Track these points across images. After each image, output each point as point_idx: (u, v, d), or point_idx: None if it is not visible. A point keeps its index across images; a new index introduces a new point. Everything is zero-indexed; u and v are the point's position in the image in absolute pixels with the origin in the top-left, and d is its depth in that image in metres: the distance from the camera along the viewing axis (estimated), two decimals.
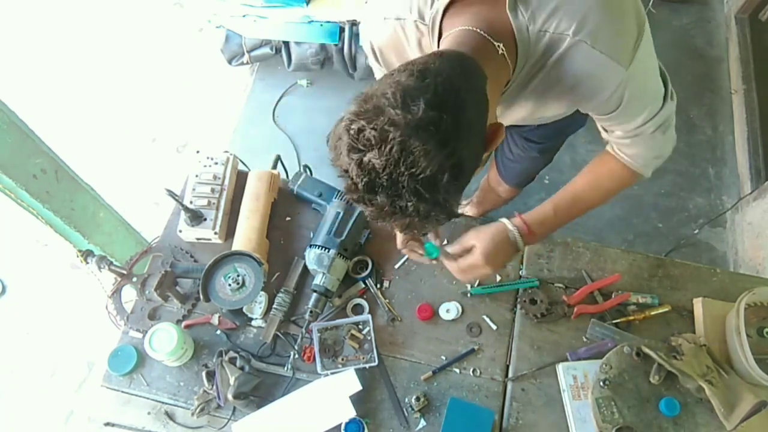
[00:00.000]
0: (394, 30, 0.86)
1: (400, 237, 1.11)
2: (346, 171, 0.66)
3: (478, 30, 0.75)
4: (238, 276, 1.14)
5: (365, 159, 0.63)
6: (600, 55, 0.77)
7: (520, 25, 0.76)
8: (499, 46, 0.75)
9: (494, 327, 1.19)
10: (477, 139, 0.69)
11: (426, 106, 0.62)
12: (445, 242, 1.09)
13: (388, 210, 0.67)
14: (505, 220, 1.04)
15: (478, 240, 1.02)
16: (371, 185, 0.64)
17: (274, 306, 1.19)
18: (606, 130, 0.96)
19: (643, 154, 0.96)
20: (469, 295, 1.21)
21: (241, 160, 1.41)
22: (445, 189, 0.65)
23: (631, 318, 1.17)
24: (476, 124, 0.68)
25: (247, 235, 1.23)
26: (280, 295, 1.20)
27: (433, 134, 0.62)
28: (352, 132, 0.63)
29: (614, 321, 1.17)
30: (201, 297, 1.13)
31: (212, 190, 1.29)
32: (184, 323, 1.20)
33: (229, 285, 1.13)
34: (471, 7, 0.78)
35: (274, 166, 1.38)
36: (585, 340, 1.16)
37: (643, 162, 0.97)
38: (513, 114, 0.97)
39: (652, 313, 1.17)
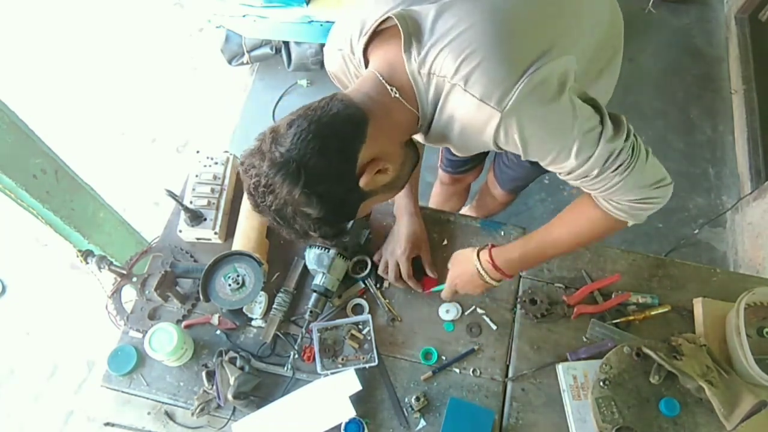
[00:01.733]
0: (341, 59, 0.92)
1: (416, 286, 1.22)
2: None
3: (377, 73, 0.80)
4: (238, 276, 1.14)
5: (250, 184, 0.77)
6: (472, 99, 0.75)
7: (413, 69, 0.79)
8: (392, 89, 0.80)
9: (494, 327, 1.19)
10: (337, 176, 0.77)
11: (278, 152, 0.74)
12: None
13: (287, 233, 0.81)
14: (473, 254, 1.03)
15: (452, 266, 1.10)
16: (254, 208, 0.80)
17: (274, 306, 1.19)
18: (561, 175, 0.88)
19: (618, 198, 0.85)
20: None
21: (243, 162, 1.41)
22: (295, 219, 0.78)
23: (631, 318, 1.17)
24: (336, 164, 0.76)
25: (246, 234, 1.23)
26: (280, 295, 1.20)
27: (277, 175, 0.74)
28: (249, 181, 0.78)
29: (614, 321, 1.17)
30: (201, 297, 1.13)
31: (212, 190, 1.29)
32: (184, 323, 1.20)
33: (229, 285, 1.13)
34: (384, 46, 0.82)
35: None
36: (585, 340, 1.16)
37: (628, 209, 0.86)
38: (447, 144, 0.93)
39: (652, 313, 1.17)
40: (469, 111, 0.78)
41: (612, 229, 0.92)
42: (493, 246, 1.03)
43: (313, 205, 0.76)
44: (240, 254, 1.16)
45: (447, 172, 1.69)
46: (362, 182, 0.79)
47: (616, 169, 0.80)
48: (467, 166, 1.64)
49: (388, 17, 0.79)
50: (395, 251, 1.21)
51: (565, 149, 0.79)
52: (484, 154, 1.61)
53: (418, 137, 0.92)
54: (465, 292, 1.09)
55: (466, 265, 1.05)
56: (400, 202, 1.25)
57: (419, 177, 1.31)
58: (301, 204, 0.75)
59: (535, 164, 0.86)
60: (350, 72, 0.93)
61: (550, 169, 0.86)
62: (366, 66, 0.86)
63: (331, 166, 0.76)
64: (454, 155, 1.42)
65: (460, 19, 0.77)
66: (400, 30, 0.77)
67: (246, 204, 1.28)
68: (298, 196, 0.74)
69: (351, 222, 0.87)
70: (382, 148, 0.81)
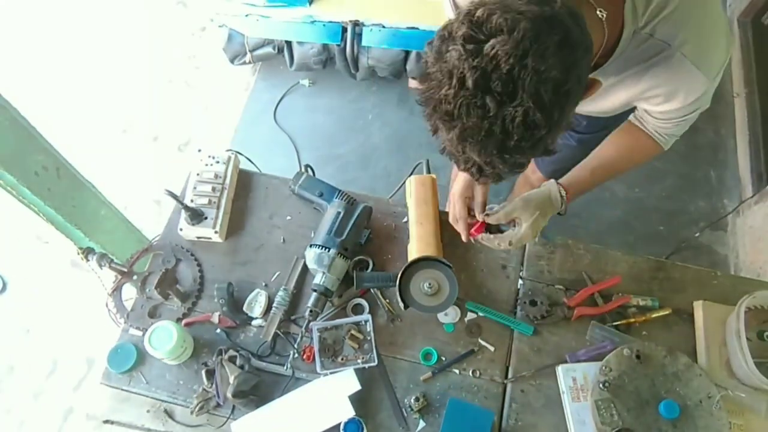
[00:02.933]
0: None
1: (464, 231, 1.14)
2: (451, 70, 0.58)
3: None
4: (433, 281, 1.15)
5: (487, 46, 0.56)
6: (696, 70, 0.83)
7: (630, 24, 0.79)
8: (599, 11, 0.74)
9: (494, 328, 1.18)
10: (588, 71, 0.66)
11: (561, 6, 0.59)
12: (489, 208, 1.11)
13: (487, 121, 0.59)
14: (550, 186, 1.09)
15: (524, 211, 1.05)
16: (486, 80, 0.57)
17: (274, 305, 1.19)
18: (647, 112, 1.02)
19: (669, 131, 1.04)
20: (466, 306, 1.21)
21: (249, 159, 1.41)
22: (563, 102, 0.60)
23: (632, 320, 1.17)
24: (589, 55, 0.65)
25: (425, 240, 1.22)
26: (280, 293, 1.20)
27: (565, 35, 0.58)
28: (476, 16, 0.58)
29: (614, 323, 1.16)
30: (401, 304, 1.14)
31: (213, 189, 1.29)
32: (184, 321, 1.20)
33: (426, 291, 1.15)
34: None
35: (428, 170, 1.35)
36: (586, 342, 1.16)
37: (666, 138, 1.05)
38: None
39: (653, 315, 1.17)
40: (687, 79, 0.85)
41: (654, 154, 1.09)
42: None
43: (580, 87, 0.62)
44: (427, 260, 1.17)
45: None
46: (585, 96, 0.70)
47: (695, 112, 0.96)
48: None
49: None
50: (452, 189, 1.16)
51: (686, 112, 0.95)
52: None
53: None
54: (534, 236, 1.06)
55: (540, 204, 1.06)
56: None
57: None
58: (578, 83, 0.60)
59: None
60: None
61: (654, 108, 0.98)
62: None
63: (589, 59, 0.64)
64: None
65: None
66: None
67: (416, 210, 1.26)
68: (577, 74, 0.60)
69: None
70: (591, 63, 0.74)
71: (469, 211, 1.14)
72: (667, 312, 1.18)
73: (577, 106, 0.69)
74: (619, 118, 1.13)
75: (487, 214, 1.09)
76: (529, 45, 0.56)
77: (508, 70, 0.56)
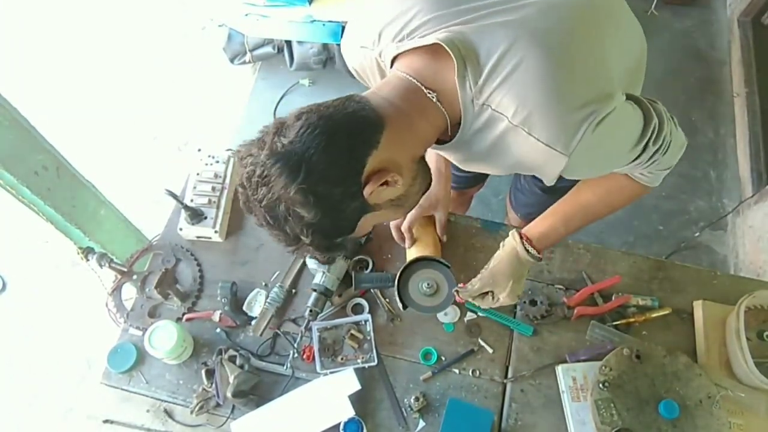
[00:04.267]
0: (363, 56, 0.90)
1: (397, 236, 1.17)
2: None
3: (411, 77, 0.77)
4: (432, 281, 1.14)
5: (245, 170, 0.72)
6: (537, 142, 0.75)
7: (466, 97, 0.76)
8: (430, 93, 0.77)
9: (494, 328, 1.18)
10: (340, 179, 0.72)
11: (280, 142, 0.69)
12: (460, 285, 1.09)
13: (275, 237, 0.76)
14: (512, 244, 1.01)
15: (497, 285, 1.02)
16: (244, 206, 0.76)
17: (268, 300, 1.19)
18: None
19: (649, 170, 0.92)
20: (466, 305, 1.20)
21: None
22: (287, 219, 0.71)
23: (632, 320, 1.17)
24: (341, 166, 0.71)
25: (423, 240, 1.22)
26: (275, 290, 1.20)
27: (274, 166, 0.68)
28: (245, 170, 0.73)
29: (614, 323, 1.16)
30: (399, 305, 1.13)
31: (213, 189, 1.29)
32: (186, 316, 1.20)
33: (424, 291, 1.14)
34: (421, 58, 0.78)
35: None
36: (586, 341, 1.16)
37: (651, 177, 0.94)
38: (455, 157, 0.95)
39: (653, 315, 1.17)
40: (531, 152, 0.77)
41: (638, 195, 0.98)
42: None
43: (309, 206, 0.69)
44: (425, 260, 1.17)
45: (452, 188, 1.66)
46: (366, 192, 0.73)
47: (655, 157, 0.85)
48: (469, 182, 1.62)
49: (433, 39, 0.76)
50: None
51: (621, 164, 0.86)
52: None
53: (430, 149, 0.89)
54: (513, 298, 1.02)
55: (512, 273, 1.01)
56: (430, 157, 1.16)
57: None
58: (296, 202, 0.69)
59: (549, 193, 0.92)
60: (369, 69, 0.91)
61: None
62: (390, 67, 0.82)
63: (334, 166, 0.70)
64: (460, 171, 1.42)
65: (511, 44, 0.74)
66: (453, 58, 0.74)
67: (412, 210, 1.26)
68: (294, 193, 0.68)
69: (345, 238, 0.79)
70: (393, 159, 0.75)
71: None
72: (667, 312, 1.18)
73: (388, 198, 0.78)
74: None
75: (457, 291, 1.08)
76: (246, 183, 0.72)
77: (244, 198, 0.74)
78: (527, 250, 0.99)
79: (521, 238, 1.00)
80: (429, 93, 0.77)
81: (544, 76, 0.73)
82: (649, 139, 0.82)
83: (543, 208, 1.13)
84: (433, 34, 0.77)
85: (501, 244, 1.04)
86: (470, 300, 1.08)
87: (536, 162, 0.79)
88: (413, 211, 1.16)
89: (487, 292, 1.05)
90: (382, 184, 0.74)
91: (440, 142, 0.85)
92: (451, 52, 0.74)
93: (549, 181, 0.83)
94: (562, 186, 1.34)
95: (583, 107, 0.74)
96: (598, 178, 0.99)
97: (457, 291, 1.08)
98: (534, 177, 1.36)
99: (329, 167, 0.70)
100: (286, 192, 0.69)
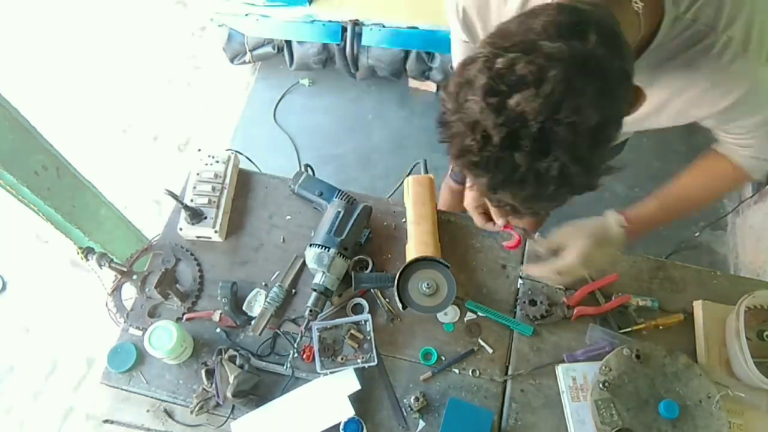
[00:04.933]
0: None
1: (479, 218, 1.03)
2: (474, 124, 0.53)
3: None
4: (431, 281, 1.14)
5: (512, 102, 0.51)
6: (741, 52, 0.72)
7: (672, 9, 0.70)
8: (634, 2, 0.65)
9: (494, 328, 1.19)
10: (631, 95, 0.60)
11: (595, 40, 0.52)
12: (536, 235, 1.01)
13: (519, 174, 0.54)
14: (608, 215, 0.95)
15: (574, 238, 0.94)
16: (514, 138, 0.52)
17: (267, 300, 1.19)
18: (723, 131, 0.91)
19: (759, 154, 0.90)
20: (465, 305, 1.21)
21: (249, 159, 1.41)
22: (603, 148, 0.55)
23: (641, 327, 1.16)
24: (629, 80, 0.59)
25: (422, 240, 1.22)
26: (274, 290, 1.20)
27: (603, 77, 0.52)
28: (497, 67, 0.51)
29: (621, 331, 1.15)
30: (399, 305, 1.13)
31: (213, 189, 1.29)
32: (186, 316, 1.20)
33: (423, 291, 1.14)
34: None
35: (426, 170, 1.35)
36: (586, 342, 1.16)
37: (756, 163, 0.91)
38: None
39: (663, 321, 1.16)
40: (729, 64, 0.73)
41: (739, 183, 0.96)
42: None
43: (603, 136, 0.55)
44: (425, 260, 1.17)
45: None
46: (630, 113, 0.62)
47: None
48: None
49: None
50: (465, 200, 1.12)
51: (756, 111, 0.80)
52: None
53: None
54: (585, 269, 0.94)
55: (594, 232, 0.94)
56: None
57: None
58: (617, 125, 0.56)
59: None
60: (492, 3, 0.80)
61: (728, 129, 0.87)
62: None
63: (630, 77, 0.58)
64: None
65: None
66: None
67: (414, 210, 1.24)
68: (619, 114, 0.55)
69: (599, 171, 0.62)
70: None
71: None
72: (678, 318, 1.16)
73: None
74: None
75: (537, 239, 1.00)
76: (560, 99, 0.50)
77: (538, 127, 0.51)
78: (619, 223, 0.93)
79: (623, 220, 0.94)
80: (636, 3, 0.66)
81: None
82: None
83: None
84: None
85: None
86: (539, 252, 0.99)
87: (729, 75, 0.74)
88: (469, 198, 1.08)
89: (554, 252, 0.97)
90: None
91: None
92: None
93: (725, 105, 0.77)
94: None
95: None
96: (701, 164, 0.97)
97: (528, 236, 1.00)
98: None
99: (629, 88, 0.59)
100: (613, 112, 0.55)
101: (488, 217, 1.05)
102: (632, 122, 0.86)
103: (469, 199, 1.07)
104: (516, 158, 0.53)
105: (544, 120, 0.51)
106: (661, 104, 0.85)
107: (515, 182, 0.55)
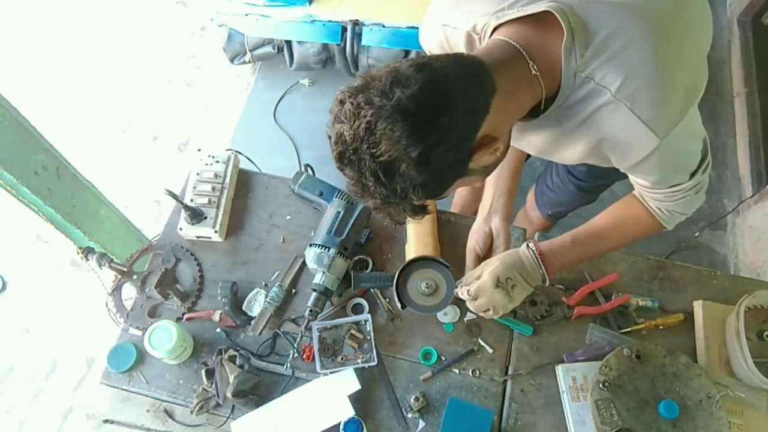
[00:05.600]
0: (445, 35, 0.89)
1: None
2: (330, 138, 0.71)
3: (515, 44, 0.75)
4: (430, 281, 1.14)
5: (340, 130, 0.68)
6: (637, 120, 0.76)
7: (569, 68, 0.76)
8: (532, 66, 0.75)
9: (494, 328, 1.19)
10: (456, 143, 0.69)
11: (404, 95, 0.64)
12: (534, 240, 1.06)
13: (356, 186, 0.71)
14: (521, 249, 1.02)
15: (488, 265, 1.02)
16: (341, 156, 0.69)
17: (267, 300, 1.19)
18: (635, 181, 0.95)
19: (670, 207, 0.95)
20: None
21: (249, 159, 1.41)
22: (403, 179, 0.68)
23: (641, 327, 1.16)
24: (460, 128, 0.69)
25: (422, 240, 1.22)
26: (274, 289, 1.20)
27: (400, 122, 0.64)
28: (336, 102, 0.69)
29: (621, 330, 1.16)
30: (398, 305, 1.13)
31: (213, 189, 1.29)
32: (186, 316, 1.20)
33: (422, 291, 1.14)
34: (523, 27, 0.77)
35: None
36: (587, 342, 1.16)
37: (668, 216, 0.96)
38: (531, 140, 0.94)
39: (664, 321, 1.16)
40: (625, 129, 0.77)
41: (653, 231, 1.00)
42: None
43: (425, 169, 0.67)
44: (424, 260, 1.17)
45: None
46: (475, 158, 0.72)
47: (690, 191, 0.89)
48: None
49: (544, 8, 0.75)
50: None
51: (674, 177, 0.87)
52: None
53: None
54: (500, 292, 1.00)
55: (505, 257, 1.01)
56: (496, 199, 1.17)
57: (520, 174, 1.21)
58: (414, 163, 0.66)
59: (582, 191, 0.94)
60: (449, 48, 0.91)
61: (634, 177, 0.92)
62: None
63: (454, 131, 0.68)
64: None
65: (620, 25, 0.75)
66: (563, 26, 0.74)
67: None
68: (417, 154, 0.65)
69: (439, 198, 0.78)
70: (498, 125, 0.74)
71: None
72: (678, 319, 1.17)
73: (483, 165, 0.76)
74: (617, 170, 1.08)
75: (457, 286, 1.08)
76: (363, 134, 0.65)
77: (352, 151, 0.67)
78: (535, 258, 1.00)
79: (534, 247, 1.01)
80: (533, 66, 0.75)
81: (655, 58, 0.74)
82: (701, 166, 0.87)
83: (574, 207, 1.11)
84: (541, 3, 0.76)
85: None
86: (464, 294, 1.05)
87: (626, 141, 0.80)
88: (476, 231, 1.16)
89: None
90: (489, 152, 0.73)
91: (527, 116, 0.84)
92: (561, 21, 0.73)
93: (624, 164, 0.85)
94: (598, 185, 1.34)
95: (686, 94, 0.78)
96: (617, 208, 1.02)
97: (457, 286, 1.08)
98: (569, 174, 1.36)
99: (450, 131, 0.68)
100: (407, 152, 0.65)
101: (478, 262, 1.14)
102: (537, 150, 0.97)
103: (471, 240, 1.16)
104: (347, 172, 0.70)
105: (355, 147, 0.67)
106: (580, 155, 0.89)
107: (357, 191, 0.72)
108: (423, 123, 0.65)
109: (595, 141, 0.83)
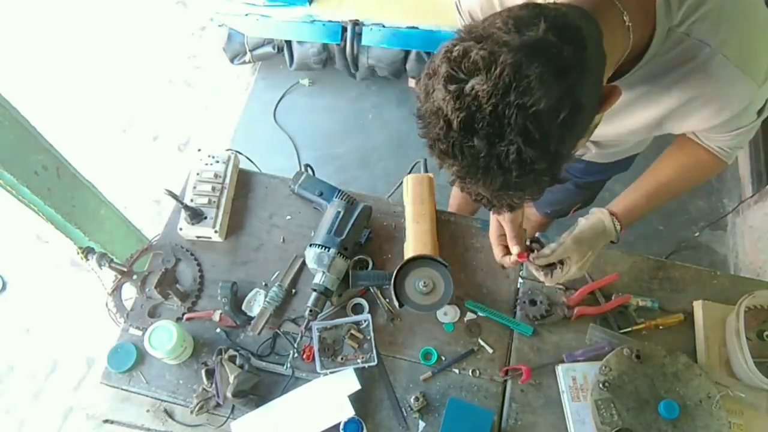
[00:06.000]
0: None
1: (497, 250, 1.05)
2: (438, 111, 0.56)
3: None
4: (428, 280, 1.14)
5: (467, 87, 0.54)
6: (739, 72, 0.74)
7: (663, 22, 0.72)
8: (624, 15, 0.68)
9: (494, 328, 1.19)
10: (596, 88, 0.60)
11: (546, 28, 0.54)
12: (535, 238, 1.04)
13: (482, 160, 0.56)
14: (599, 216, 0.99)
15: (573, 252, 0.99)
16: (470, 121, 0.54)
17: (266, 300, 1.19)
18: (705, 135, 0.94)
19: (732, 144, 0.94)
20: (465, 305, 1.20)
21: (249, 159, 1.41)
22: (559, 134, 0.55)
23: (641, 327, 1.16)
24: (596, 69, 0.60)
25: (421, 239, 1.22)
26: (274, 289, 1.20)
27: (552, 60, 0.54)
28: (454, 55, 0.55)
29: (621, 330, 1.16)
30: (396, 303, 1.13)
31: (213, 189, 1.29)
32: (186, 316, 1.20)
33: (420, 290, 1.14)
34: None
35: (426, 170, 1.35)
36: (587, 342, 1.16)
37: (730, 152, 0.95)
38: (625, 115, 0.90)
39: (663, 321, 1.16)
40: (727, 82, 0.75)
41: (716, 170, 0.99)
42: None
43: (579, 112, 0.56)
44: (422, 258, 1.17)
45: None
46: (602, 109, 0.64)
47: (753, 127, 0.87)
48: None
49: None
50: (489, 230, 1.13)
51: (748, 119, 0.84)
52: None
53: None
54: (584, 272, 1.00)
55: (592, 241, 0.98)
56: None
57: None
58: (571, 109, 0.55)
59: (579, 188, 0.91)
60: (496, 4, 0.82)
61: (699, 126, 0.88)
62: None
63: (594, 69, 0.59)
64: None
65: None
66: None
67: (413, 208, 1.24)
68: (573, 101, 0.55)
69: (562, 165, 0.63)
70: (603, 76, 0.66)
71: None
72: (677, 319, 1.17)
73: (596, 124, 0.67)
74: (618, 164, 1.04)
75: (536, 256, 1.01)
76: (509, 81, 0.52)
77: (490, 110, 0.53)
78: (614, 224, 0.98)
79: (609, 212, 1.00)
80: (624, 13, 0.68)
81: (754, 13, 0.74)
82: (763, 108, 0.84)
83: (571, 205, 1.09)
84: None
85: (581, 219, 1.02)
86: (535, 271, 1.02)
87: (726, 94, 0.78)
88: (492, 228, 1.09)
89: (553, 264, 1.01)
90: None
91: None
92: None
93: (713, 121, 0.82)
94: (593, 181, 1.31)
95: None
96: (678, 154, 1.00)
97: (527, 254, 1.01)
98: (566, 171, 1.35)
99: (592, 70, 0.59)
100: (564, 98, 0.54)
101: (507, 250, 1.07)
102: (628, 133, 0.92)
103: (493, 228, 1.07)
104: (476, 143, 0.55)
105: (496, 103, 0.53)
106: (657, 118, 0.87)
107: (481, 169, 0.57)
108: (572, 61, 0.55)
109: (686, 98, 0.80)
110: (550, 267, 1.02)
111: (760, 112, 0.85)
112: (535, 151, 0.55)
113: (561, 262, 1.01)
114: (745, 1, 0.75)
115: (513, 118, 0.53)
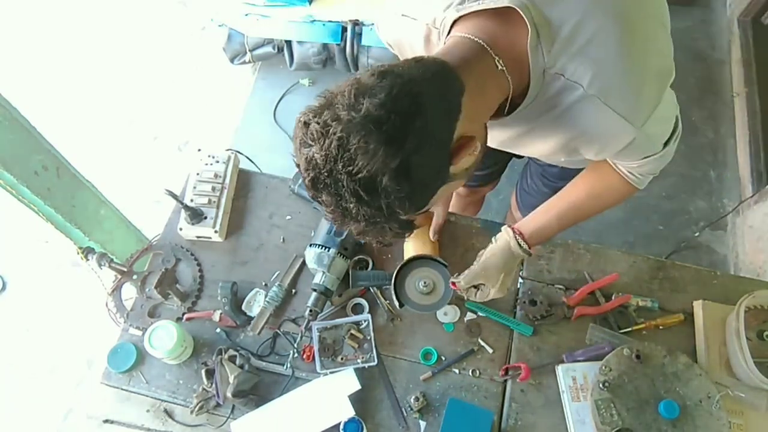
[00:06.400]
0: (403, 26, 0.86)
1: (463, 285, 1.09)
2: (299, 166, 0.66)
3: (478, 39, 0.72)
4: (428, 280, 1.15)
5: (309, 153, 0.63)
6: (612, 113, 0.74)
7: (537, 65, 0.74)
8: (498, 61, 0.72)
9: (494, 328, 1.18)
10: (435, 147, 0.66)
11: (372, 105, 0.60)
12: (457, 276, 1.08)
13: (336, 212, 0.66)
14: (508, 239, 1.02)
15: (488, 279, 1.03)
16: (315, 182, 0.64)
17: (266, 299, 1.19)
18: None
19: (642, 171, 0.95)
20: (465, 305, 1.21)
21: (249, 159, 1.41)
22: (387, 193, 0.62)
23: (641, 327, 1.16)
24: (435, 132, 0.65)
25: (420, 238, 1.23)
26: (274, 289, 1.20)
27: (374, 133, 0.59)
28: (300, 125, 0.64)
29: (621, 330, 1.16)
30: (396, 303, 1.13)
31: (213, 189, 1.29)
32: (186, 316, 1.20)
33: (420, 290, 1.15)
34: (485, 21, 0.74)
35: None
36: (587, 342, 1.16)
37: (641, 179, 0.96)
38: (495, 136, 0.92)
39: (663, 321, 1.16)
40: (603, 123, 0.76)
41: (628, 195, 1.00)
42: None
43: (407, 179, 0.62)
44: (422, 258, 1.17)
45: (465, 185, 1.64)
46: (455, 161, 0.68)
47: (662, 157, 0.88)
48: (485, 179, 1.62)
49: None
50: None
51: (648, 151, 0.86)
52: (502, 167, 1.61)
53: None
54: (503, 293, 1.04)
55: (503, 265, 1.02)
56: None
57: None
58: (395, 174, 0.61)
59: (554, 194, 1.00)
60: (416, 40, 0.86)
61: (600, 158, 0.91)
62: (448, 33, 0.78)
63: (432, 135, 0.63)
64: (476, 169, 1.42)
65: (584, 16, 0.73)
66: (527, 23, 0.71)
67: None
68: (397, 164, 0.60)
69: (424, 209, 0.71)
70: (472, 124, 0.70)
71: None
72: (677, 319, 1.17)
73: (464, 168, 0.71)
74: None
75: (453, 283, 1.08)
76: (335, 153, 0.60)
77: (327, 174, 0.62)
78: (519, 245, 1.01)
79: (514, 232, 1.02)
80: (498, 62, 0.72)
81: (622, 48, 0.73)
82: (673, 136, 0.86)
83: None
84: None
85: (493, 239, 1.06)
86: (461, 292, 1.08)
87: (605, 134, 0.79)
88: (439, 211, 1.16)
89: (477, 286, 1.06)
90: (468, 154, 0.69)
91: (496, 114, 0.81)
92: (525, 17, 0.71)
93: (602, 155, 0.85)
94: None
95: (659, 79, 0.77)
96: (590, 177, 1.02)
97: (453, 282, 1.08)
98: (543, 177, 1.38)
99: (426, 135, 0.63)
100: (387, 163, 0.60)
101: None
102: (547, 156, 0.97)
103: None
104: (324, 198, 0.65)
105: (330, 169, 0.61)
106: (559, 146, 0.88)
107: (338, 216, 0.67)
108: (397, 130, 0.60)
109: (570, 136, 0.82)
110: (475, 288, 1.07)
111: (666, 143, 0.86)
112: (370, 209, 0.63)
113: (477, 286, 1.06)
114: (623, 42, 0.73)
115: (344, 182, 0.61)
